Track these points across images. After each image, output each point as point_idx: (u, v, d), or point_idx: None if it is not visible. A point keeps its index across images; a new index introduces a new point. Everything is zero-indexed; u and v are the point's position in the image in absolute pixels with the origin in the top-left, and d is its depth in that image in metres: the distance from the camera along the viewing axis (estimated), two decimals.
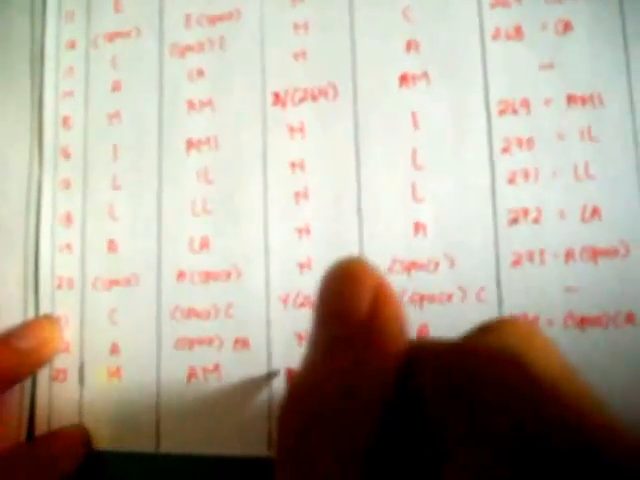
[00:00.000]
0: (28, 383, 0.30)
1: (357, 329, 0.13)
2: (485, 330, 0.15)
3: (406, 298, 0.27)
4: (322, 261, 0.28)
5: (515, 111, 0.27)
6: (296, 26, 0.30)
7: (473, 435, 0.11)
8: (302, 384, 0.13)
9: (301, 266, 0.28)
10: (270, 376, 0.28)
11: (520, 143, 0.27)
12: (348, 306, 0.14)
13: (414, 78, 0.28)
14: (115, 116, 0.32)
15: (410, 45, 0.29)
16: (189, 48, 0.31)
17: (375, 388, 0.13)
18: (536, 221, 0.26)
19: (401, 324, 0.14)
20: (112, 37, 0.32)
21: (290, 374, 0.27)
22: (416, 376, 0.13)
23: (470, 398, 0.11)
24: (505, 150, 0.27)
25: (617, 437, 0.11)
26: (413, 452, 0.12)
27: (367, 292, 0.14)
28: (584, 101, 0.27)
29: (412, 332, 0.27)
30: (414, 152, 0.28)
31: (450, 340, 0.14)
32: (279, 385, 0.28)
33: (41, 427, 0.30)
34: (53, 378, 0.30)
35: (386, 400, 0.12)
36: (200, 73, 0.31)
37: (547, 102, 0.27)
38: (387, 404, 0.12)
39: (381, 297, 0.14)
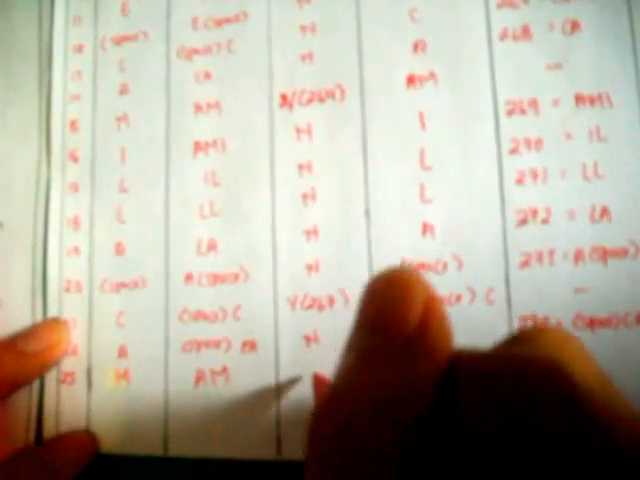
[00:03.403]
0: (36, 386, 0.30)
1: (407, 340, 0.13)
2: (520, 339, 0.15)
3: None
4: (330, 263, 0.28)
5: (523, 111, 0.27)
6: (303, 28, 0.30)
7: (514, 441, 0.11)
8: (343, 390, 0.13)
9: (309, 268, 0.28)
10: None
11: (528, 143, 0.27)
12: (395, 316, 0.13)
13: (421, 79, 0.28)
14: (123, 119, 0.32)
15: (417, 46, 0.29)
16: (196, 51, 0.31)
17: (419, 400, 0.12)
18: (545, 222, 0.26)
19: (448, 339, 0.14)
20: (119, 40, 0.32)
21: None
22: (455, 384, 0.13)
23: (512, 405, 0.11)
24: (513, 150, 0.27)
25: None
26: (448, 459, 0.12)
27: (418, 303, 0.13)
28: (592, 101, 0.27)
29: None
30: (422, 153, 0.28)
31: (487, 349, 0.14)
32: (287, 389, 0.28)
33: (49, 430, 0.30)
34: (61, 381, 0.30)
35: (426, 410, 0.12)
36: (207, 75, 0.31)
37: (555, 102, 0.27)
38: (426, 414, 0.12)
39: (432, 310, 0.13)
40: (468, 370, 0.13)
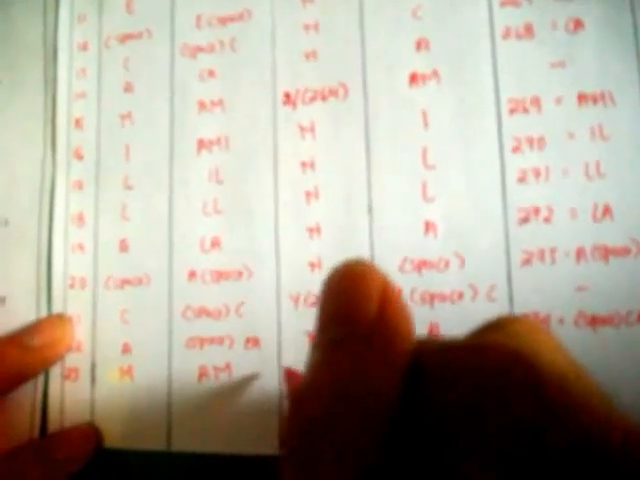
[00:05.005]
0: (41, 382, 0.30)
1: (365, 331, 0.13)
2: (491, 328, 0.15)
3: (417, 297, 0.27)
4: (333, 260, 0.28)
5: (526, 110, 0.27)
6: (306, 26, 0.30)
7: (481, 433, 0.11)
8: (312, 388, 0.13)
9: (312, 265, 0.28)
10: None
11: (531, 142, 0.27)
12: (355, 308, 0.13)
13: (424, 77, 0.28)
14: (127, 117, 0.32)
15: (420, 44, 0.29)
16: (200, 49, 0.31)
17: (386, 389, 0.12)
18: (547, 220, 0.26)
19: (409, 325, 0.14)
20: (124, 38, 0.32)
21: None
22: (423, 375, 0.13)
23: (477, 396, 0.11)
24: (516, 149, 0.27)
25: (626, 432, 0.11)
26: (422, 451, 0.12)
27: (374, 293, 0.13)
28: (595, 99, 0.27)
29: (423, 331, 0.27)
30: (424, 151, 0.28)
31: (456, 338, 0.14)
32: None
33: (54, 425, 0.30)
34: (65, 377, 0.31)
35: (394, 400, 0.12)
36: (211, 73, 0.31)
37: (558, 101, 0.27)
38: (393, 407, 0.12)
39: (388, 298, 0.13)
40: (435, 360, 0.13)
